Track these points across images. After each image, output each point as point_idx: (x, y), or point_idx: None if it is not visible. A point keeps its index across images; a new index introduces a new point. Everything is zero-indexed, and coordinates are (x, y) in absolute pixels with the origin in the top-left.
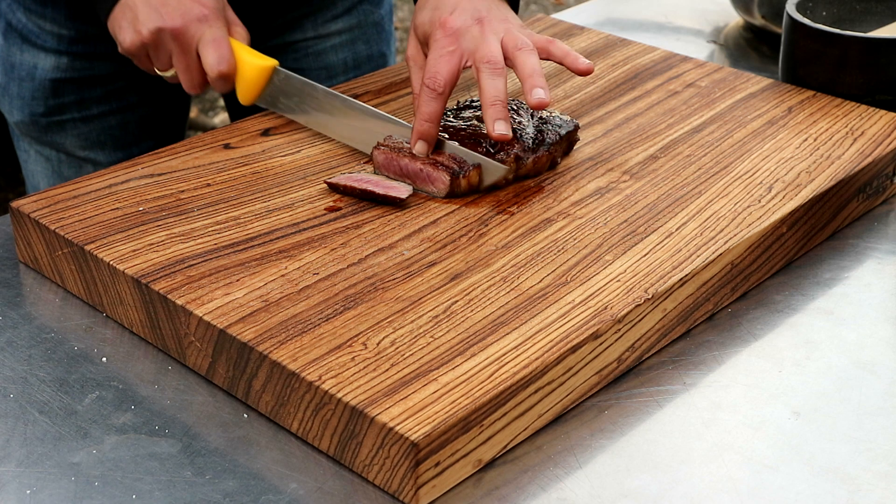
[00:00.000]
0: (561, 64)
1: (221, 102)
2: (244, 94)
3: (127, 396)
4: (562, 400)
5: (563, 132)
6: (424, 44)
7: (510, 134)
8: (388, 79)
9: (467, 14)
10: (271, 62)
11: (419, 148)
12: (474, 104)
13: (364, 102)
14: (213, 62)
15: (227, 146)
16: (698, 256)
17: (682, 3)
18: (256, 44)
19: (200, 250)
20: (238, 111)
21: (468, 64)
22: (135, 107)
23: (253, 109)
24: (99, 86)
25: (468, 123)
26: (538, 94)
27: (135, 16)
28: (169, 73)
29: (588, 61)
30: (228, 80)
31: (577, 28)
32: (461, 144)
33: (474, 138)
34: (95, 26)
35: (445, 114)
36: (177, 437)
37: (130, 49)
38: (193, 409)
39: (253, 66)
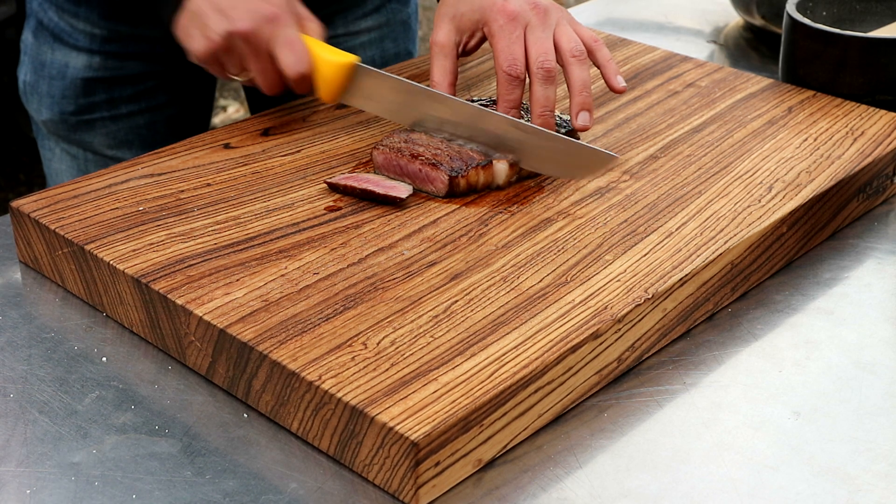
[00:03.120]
0: (598, 69)
1: (222, 102)
2: (327, 93)
3: (127, 396)
4: (562, 400)
5: (563, 132)
6: (466, 31)
7: None
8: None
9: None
10: (351, 58)
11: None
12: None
13: None
14: (290, 63)
15: (227, 146)
16: (698, 256)
17: (682, 3)
18: None
19: (200, 250)
20: (257, 103)
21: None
22: (163, 106)
23: (261, 105)
24: (129, 85)
25: None
26: (584, 118)
27: (203, 22)
28: (243, 77)
29: (624, 83)
30: (308, 79)
31: None
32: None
33: None
34: (128, 26)
35: None
36: (177, 437)
37: (202, 57)
38: (193, 409)
39: (332, 63)
